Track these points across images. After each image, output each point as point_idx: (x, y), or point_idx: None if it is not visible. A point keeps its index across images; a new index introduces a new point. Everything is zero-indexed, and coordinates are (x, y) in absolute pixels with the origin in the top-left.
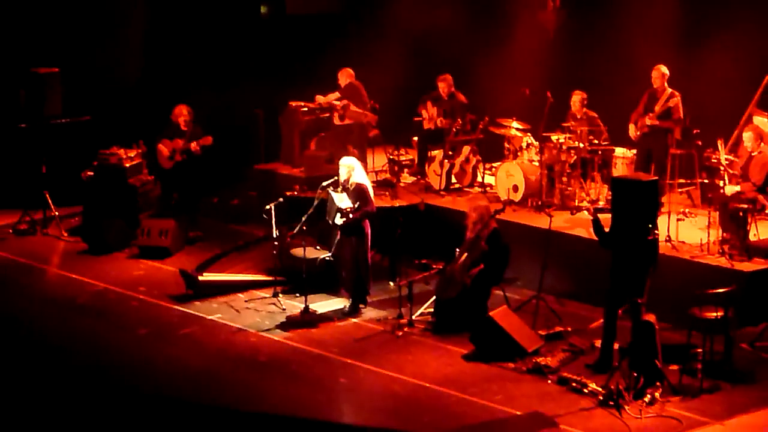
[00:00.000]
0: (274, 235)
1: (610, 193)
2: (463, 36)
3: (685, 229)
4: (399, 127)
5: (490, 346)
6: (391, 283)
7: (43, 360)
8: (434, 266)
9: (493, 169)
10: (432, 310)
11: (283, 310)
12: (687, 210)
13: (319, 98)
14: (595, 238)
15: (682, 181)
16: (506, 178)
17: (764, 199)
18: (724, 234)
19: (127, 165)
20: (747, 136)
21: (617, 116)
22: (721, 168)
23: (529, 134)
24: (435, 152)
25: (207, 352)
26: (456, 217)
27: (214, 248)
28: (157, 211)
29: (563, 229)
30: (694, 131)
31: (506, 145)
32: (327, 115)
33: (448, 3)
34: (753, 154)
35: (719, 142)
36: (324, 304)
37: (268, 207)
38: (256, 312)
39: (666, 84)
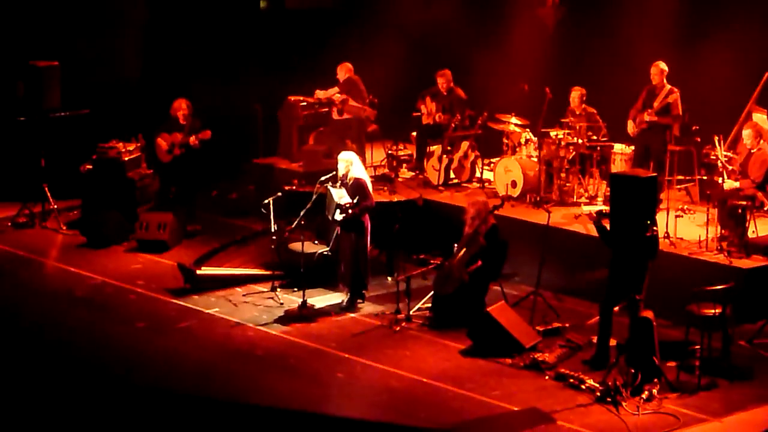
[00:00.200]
0: (272, 230)
1: (608, 189)
2: (463, 31)
3: (684, 226)
4: (398, 122)
5: (488, 342)
6: (389, 278)
7: (41, 353)
8: (432, 261)
9: (492, 165)
10: (430, 305)
11: (281, 304)
12: (685, 206)
13: (319, 93)
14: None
15: (680, 177)
16: (505, 174)
17: (763, 196)
18: (723, 231)
19: (126, 159)
20: (746, 133)
21: (616, 112)
22: (719, 164)
23: (527, 130)
24: (433, 147)
25: (204, 346)
26: (454, 212)
27: (212, 242)
28: (156, 204)
29: (561, 225)
30: (693, 128)
31: (505, 140)
32: (326, 109)
33: None
34: (752, 151)
35: (716, 139)
36: (322, 299)
37: (266, 201)
38: (254, 306)
39: (665, 80)
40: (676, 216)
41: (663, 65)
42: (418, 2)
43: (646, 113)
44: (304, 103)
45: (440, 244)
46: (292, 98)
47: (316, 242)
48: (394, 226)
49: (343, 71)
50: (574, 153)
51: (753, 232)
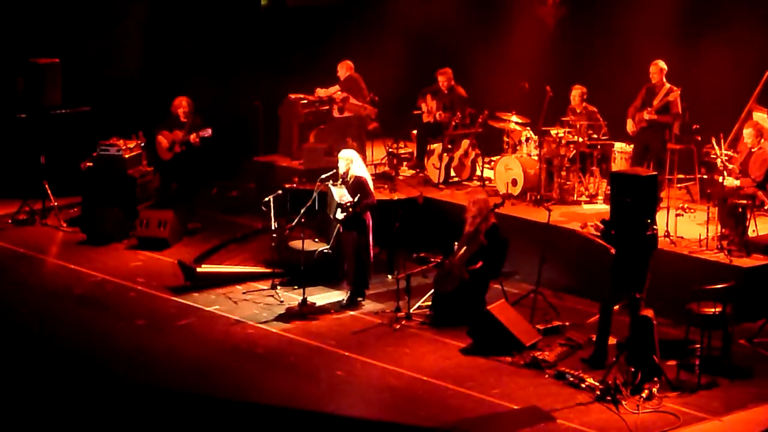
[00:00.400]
0: (273, 227)
1: (608, 187)
2: (464, 30)
3: (684, 225)
4: (398, 120)
5: (488, 340)
6: (390, 276)
7: (41, 350)
8: (432, 260)
9: (492, 163)
10: (430, 303)
11: (281, 302)
12: (686, 205)
13: (320, 91)
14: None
15: (681, 176)
16: (505, 172)
17: (763, 195)
18: (723, 230)
19: (127, 156)
20: (747, 132)
21: (617, 111)
22: (719, 163)
23: (528, 128)
24: (434, 146)
25: (204, 344)
26: (455, 210)
27: (213, 240)
28: (156, 202)
29: (561, 223)
30: (694, 126)
31: (505, 138)
32: (326, 107)
33: None
34: (753, 150)
35: (714, 141)
36: (322, 297)
37: (266, 199)
38: (254, 304)
39: (664, 79)
40: (677, 215)
41: (662, 64)
42: (418, 0)
43: (645, 112)
44: (305, 101)
45: (441, 243)
46: (293, 96)
47: (316, 240)
48: (395, 225)
49: (344, 69)
50: (574, 151)
51: (753, 230)
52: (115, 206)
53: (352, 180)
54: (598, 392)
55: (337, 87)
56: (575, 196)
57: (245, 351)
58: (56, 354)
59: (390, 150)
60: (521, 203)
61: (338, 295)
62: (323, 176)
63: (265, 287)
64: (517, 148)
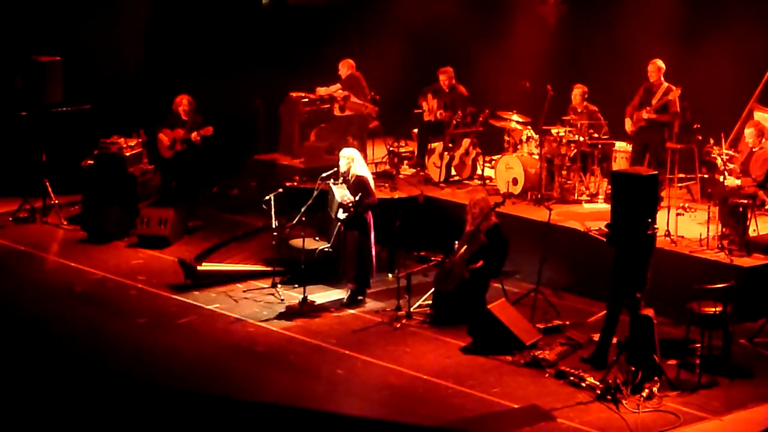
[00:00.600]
0: (273, 226)
1: (609, 187)
2: (465, 28)
3: (685, 224)
4: (399, 118)
5: (488, 339)
6: (390, 275)
7: (42, 348)
8: (433, 258)
9: (493, 162)
10: (430, 302)
11: (282, 300)
12: (686, 205)
13: (320, 90)
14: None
15: (682, 175)
16: (506, 171)
17: (764, 195)
18: (724, 229)
19: (128, 154)
20: (748, 132)
21: (618, 110)
22: (719, 162)
23: (529, 127)
24: (435, 144)
25: (205, 342)
26: (455, 209)
27: (213, 238)
28: (157, 200)
29: (562, 223)
30: (694, 126)
31: (506, 137)
32: (327, 106)
33: None
34: (754, 149)
35: (712, 141)
36: (322, 295)
37: (267, 197)
38: (255, 302)
39: (662, 78)
40: (677, 214)
41: (660, 63)
42: None
43: (644, 111)
44: (306, 100)
45: (441, 241)
46: (294, 94)
47: (317, 238)
48: (395, 223)
49: (345, 68)
50: (575, 150)
51: (754, 230)
52: (115, 204)
53: (353, 179)
54: (599, 391)
55: (338, 85)
56: (576, 195)
57: (246, 349)
58: (57, 352)
59: (391, 149)
60: (522, 202)
61: (339, 294)
62: (324, 175)
63: (266, 286)
64: (518, 147)
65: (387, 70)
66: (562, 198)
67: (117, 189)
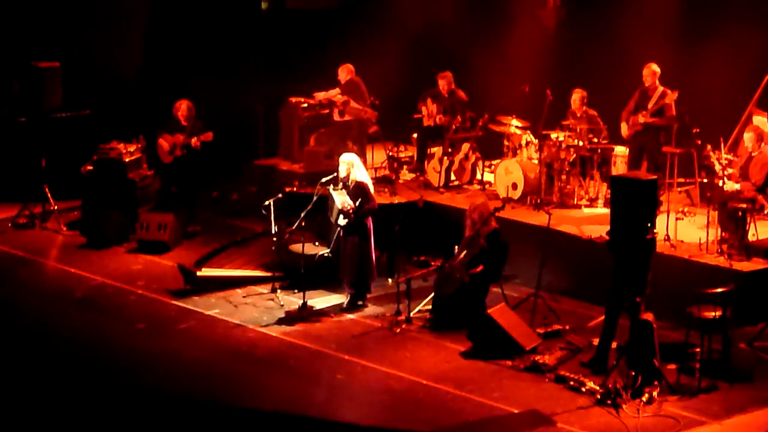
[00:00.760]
0: (273, 231)
1: (609, 191)
2: (464, 33)
3: (684, 228)
4: (398, 123)
5: (488, 344)
6: (390, 280)
7: (41, 353)
8: (433, 263)
9: (493, 167)
10: (430, 306)
11: (281, 305)
12: (686, 209)
13: (318, 95)
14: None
15: (681, 180)
16: (505, 176)
17: (763, 199)
18: (723, 233)
19: (127, 159)
20: (748, 136)
21: (617, 114)
22: (718, 167)
23: (528, 132)
24: (434, 149)
25: (205, 347)
26: (455, 214)
27: (213, 243)
28: (156, 205)
29: (557, 227)
30: (694, 130)
31: (506, 142)
32: (326, 110)
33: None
34: (753, 154)
35: (710, 147)
36: (322, 300)
37: (267, 202)
38: (254, 307)
39: (657, 82)
40: (677, 218)
41: (655, 67)
42: (419, 3)
43: (640, 115)
44: (305, 104)
45: (441, 246)
46: (294, 99)
47: (316, 243)
48: (395, 228)
49: (345, 72)
50: (574, 155)
51: (753, 234)
52: (115, 210)
53: (353, 184)
54: (599, 396)
55: (337, 90)
56: (575, 199)
57: (245, 354)
58: (56, 357)
59: (390, 153)
60: (521, 207)
61: (338, 299)
62: (324, 180)
63: (266, 291)
64: (518, 151)
65: (386, 75)
66: (561, 202)
67: (116, 194)
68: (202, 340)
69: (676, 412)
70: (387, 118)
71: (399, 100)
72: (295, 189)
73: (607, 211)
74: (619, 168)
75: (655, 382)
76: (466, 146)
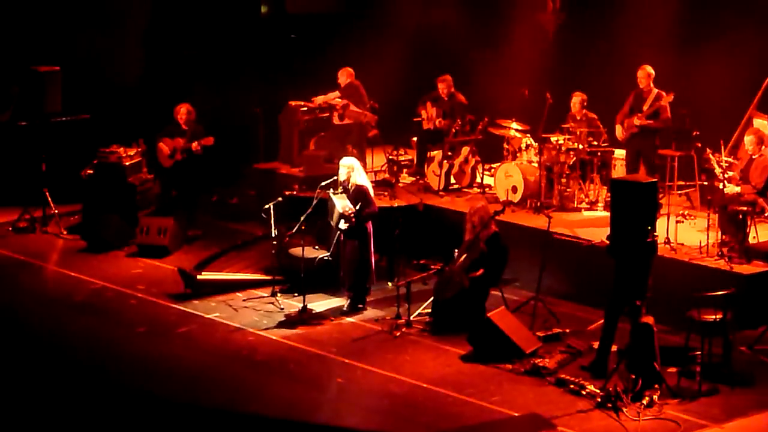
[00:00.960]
0: (273, 235)
1: (609, 194)
2: (464, 37)
3: (684, 231)
4: (398, 127)
5: (488, 347)
6: (390, 283)
7: (41, 357)
8: (433, 267)
9: (492, 170)
10: (430, 310)
11: (281, 309)
12: (686, 212)
13: (317, 99)
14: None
15: (681, 183)
16: (505, 179)
17: (764, 202)
18: (724, 236)
19: (127, 163)
20: (748, 139)
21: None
22: (717, 171)
23: (528, 135)
24: (434, 153)
25: (205, 351)
26: (455, 217)
27: (213, 247)
28: (156, 209)
29: (562, 231)
30: (694, 133)
31: (505, 145)
32: (326, 114)
33: (448, 4)
34: (753, 157)
35: (709, 152)
36: (322, 304)
37: (267, 206)
38: (254, 311)
39: (652, 84)
40: (677, 221)
41: (650, 69)
42: (419, 7)
43: (636, 118)
44: (305, 108)
45: (441, 250)
46: (293, 103)
47: (316, 247)
48: (395, 232)
49: (345, 76)
50: (574, 158)
51: (754, 237)
52: (115, 214)
53: (353, 188)
54: (599, 399)
55: (336, 93)
56: (575, 203)
57: (245, 358)
58: (56, 361)
59: (390, 157)
60: (521, 210)
61: (338, 302)
62: (323, 183)
63: (266, 294)
64: (518, 155)
65: (386, 79)
66: (561, 206)
67: (116, 198)
68: (202, 344)
69: (676, 416)
70: (387, 121)
71: (399, 104)
72: (294, 193)
73: (607, 214)
74: (619, 171)
75: (656, 386)
76: (465, 150)
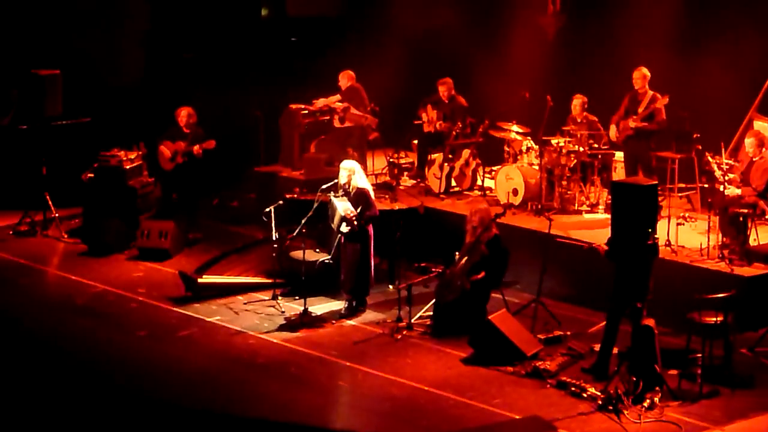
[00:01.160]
0: (274, 238)
1: (609, 197)
2: (464, 39)
3: (685, 234)
4: (399, 130)
5: (489, 350)
6: (391, 286)
7: (42, 361)
8: (434, 269)
9: (493, 173)
10: (431, 313)
11: (282, 312)
12: (687, 214)
13: (318, 102)
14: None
15: (682, 185)
16: (506, 182)
17: (765, 204)
18: (724, 239)
19: (128, 167)
20: (749, 141)
21: None
22: (718, 173)
23: (528, 138)
24: (435, 155)
25: (206, 354)
26: (455, 220)
27: (214, 250)
28: (157, 212)
29: (563, 233)
30: (694, 135)
31: (506, 148)
32: (327, 117)
33: (448, 6)
34: (754, 159)
35: (709, 156)
36: (323, 307)
37: (267, 209)
38: (255, 314)
39: (647, 86)
40: (678, 224)
41: (645, 70)
42: (419, 10)
43: (631, 120)
44: (306, 111)
45: (441, 252)
46: (294, 106)
47: (317, 250)
48: (396, 234)
49: (345, 79)
50: (575, 161)
51: (754, 239)
52: (116, 217)
53: (353, 191)
54: (600, 402)
55: (337, 96)
56: (576, 205)
57: (246, 361)
58: (57, 365)
59: (391, 160)
60: (522, 213)
61: (339, 305)
62: (324, 186)
63: (267, 297)
64: (518, 157)
65: (386, 82)
66: (562, 208)
67: (117, 202)
68: (203, 347)
69: (677, 418)
70: (387, 124)
71: (399, 107)
72: (295, 196)
73: (607, 216)
74: (619, 173)
75: (657, 388)
76: (466, 152)
